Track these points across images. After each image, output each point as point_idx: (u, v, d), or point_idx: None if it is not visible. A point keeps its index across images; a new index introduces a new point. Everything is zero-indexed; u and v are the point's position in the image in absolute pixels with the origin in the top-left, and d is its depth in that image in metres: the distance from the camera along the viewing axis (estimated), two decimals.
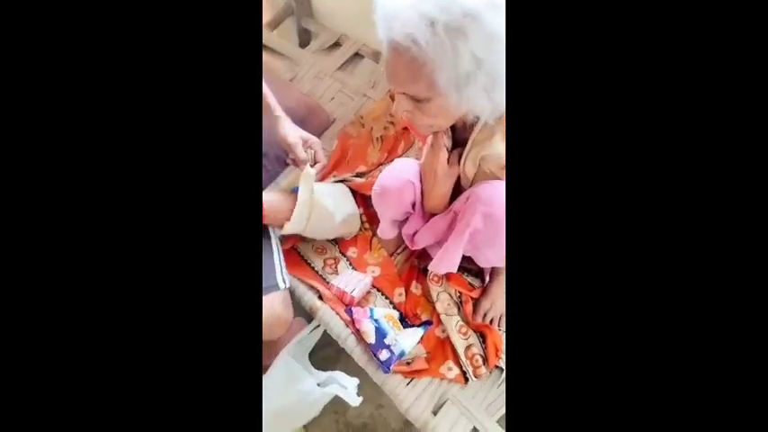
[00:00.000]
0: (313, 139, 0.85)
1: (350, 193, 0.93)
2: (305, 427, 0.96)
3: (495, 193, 0.63)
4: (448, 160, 0.68)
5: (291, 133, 0.81)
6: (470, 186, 0.69)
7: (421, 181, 0.73)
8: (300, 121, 1.03)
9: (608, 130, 0.32)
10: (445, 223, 0.73)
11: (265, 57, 1.19)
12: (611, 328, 0.32)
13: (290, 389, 0.83)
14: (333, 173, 0.99)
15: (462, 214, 0.67)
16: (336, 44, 1.20)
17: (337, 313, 0.82)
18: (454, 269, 0.70)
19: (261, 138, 0.68)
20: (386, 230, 0.83)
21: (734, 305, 0.30)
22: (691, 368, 0.31)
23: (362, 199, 0.95)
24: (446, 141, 0.67)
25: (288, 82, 1.13)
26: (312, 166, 0.82)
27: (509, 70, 0.35)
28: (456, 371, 0.77)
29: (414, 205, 0.77)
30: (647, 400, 0.32)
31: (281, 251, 0.86)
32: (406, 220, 0.82)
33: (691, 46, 0.31)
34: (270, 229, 0.87)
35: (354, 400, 0.76)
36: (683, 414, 0.31)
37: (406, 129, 1.02)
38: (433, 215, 0.76)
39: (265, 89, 0.83)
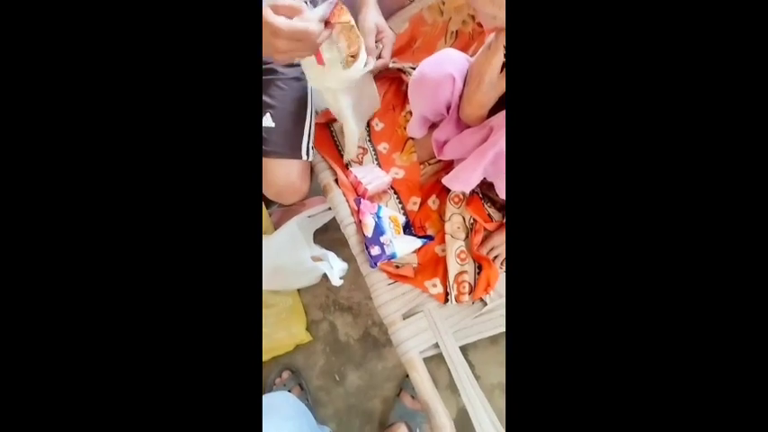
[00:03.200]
0: (388, 33, 0.83)
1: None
2: (298, 290, 1.04)
3: None
4: (502, 68, 0.58)
5: (369, 19, 0.80)
6: None
7: (465, 82, 0.64)
8: None
9: (609, 125, 0.32)
10: (478, 138, 0.65)
11: None
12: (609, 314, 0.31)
13: (287, 253, 0.89)
14: (394, 58, 0.92)
15: (495, 131, 0.59)
16: None
17: (347, 200, 0.82)
18: (467, 189, 0.65)
19: (261, 128, 0.73)
20: (414, 127, 0.77)
21: (730, 298, 0.30)
22: (689, 350, 0.30)
23: None
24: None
25: None
26: (377, 58, 0.81)
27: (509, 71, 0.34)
28: (440, 289, 0.76)
29: (449, 108, 0.69)
30: (643, 380, 0.31)
31: (313, 123, 0.85)
32: (439, 124, 0.75)
33: (690, 46, 0.30)
34: (309, 97, 0.85)
35: (336, 281, 0.79)
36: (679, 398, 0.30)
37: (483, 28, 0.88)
38: (468, 126, 0.68)
39: None
